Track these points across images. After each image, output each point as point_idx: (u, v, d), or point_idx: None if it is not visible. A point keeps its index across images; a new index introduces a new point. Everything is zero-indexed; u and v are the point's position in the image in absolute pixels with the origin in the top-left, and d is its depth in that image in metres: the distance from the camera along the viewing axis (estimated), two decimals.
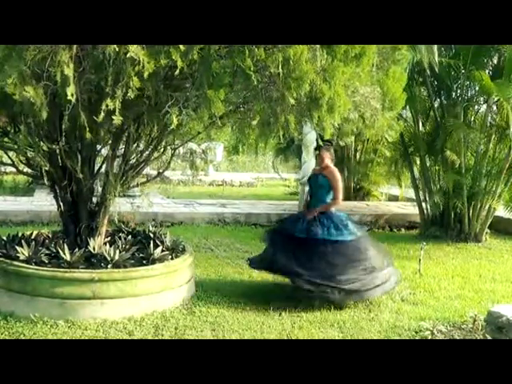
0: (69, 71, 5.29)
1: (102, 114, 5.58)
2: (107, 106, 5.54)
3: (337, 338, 6.79)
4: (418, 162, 14.02)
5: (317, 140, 8.65)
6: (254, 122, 6.59)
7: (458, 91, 13.05)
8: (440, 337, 6.82)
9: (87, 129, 5.84)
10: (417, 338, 6.83)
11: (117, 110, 5.57)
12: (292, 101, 6.07)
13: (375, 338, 6.82)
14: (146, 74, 5.44)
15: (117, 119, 5.65)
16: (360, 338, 6.81)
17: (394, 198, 18.32)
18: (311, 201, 8.80)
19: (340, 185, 8.53)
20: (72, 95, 5.40)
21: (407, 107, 12.85)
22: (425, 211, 13.86)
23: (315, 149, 9.15)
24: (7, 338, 6.37)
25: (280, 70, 5.82)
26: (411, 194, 15.37)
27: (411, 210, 15.13)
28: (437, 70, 12.01)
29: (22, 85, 5.35)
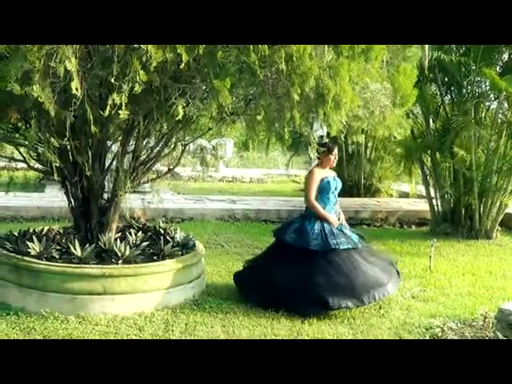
0: (71, 66, 5.30)
1: (109, 108, 5.59)
2: (114, 100, 5.54)
3: (347, 334, 6.78)
4: (429, 159, 13.97)
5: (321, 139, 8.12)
6: (259, 118, 6.57)
7: (469, 87, 13.01)
8: (450, 334, 6.80)
9: (94, 124, 5.85)
10: (427, 336, 6.82)
11: (123, 105, 5.58)
12: (296, 97, 6.07)
13: (385, 334, 6.81)
14: (153, 66, 5.45)
15: (123, 114, 5.66)
16: (370, 334, 6.80)
17: (404, 195, 18.30)
18: (325, 207, 8.05)
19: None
20: (77, 90, 5.41)
21: (417, 104, 12.82)
22: (435, 208, 13.83)
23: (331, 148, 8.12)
24: (18, 333, 6.39)
25: (284, 66, 5.81)
26: (422, 190, 15.34)
27: (422, 206, 15.12)
28: (446, 66, 12.03)
29: (28, 83, 5.35)
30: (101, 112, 5.76)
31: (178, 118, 6.06)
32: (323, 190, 7.94)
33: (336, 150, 8.12)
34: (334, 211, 8.07)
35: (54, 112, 5.62)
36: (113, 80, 5.48)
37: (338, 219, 8.03)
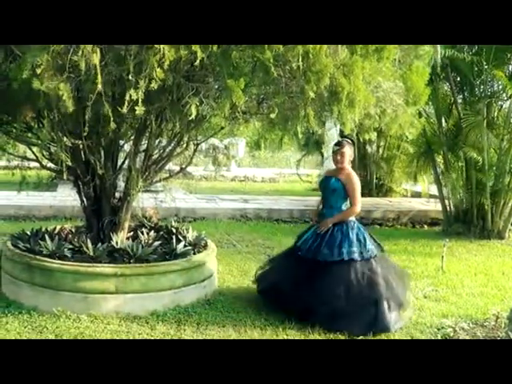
0: (96, 60, 5.30)
1: (126, 104, 5.59)
2: (131, 96, 5.55)
3: None
4: (441, 159, 13.94)
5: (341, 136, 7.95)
6: (273, 116, 6.57)
7: (481, 87, 12.98)
8: (462, 334, 6.78)
9: (111, 120, 5.86)
10: (439, 336, 6.80)
11: (140, 101, 5.59)
12: (312, 94, 6.05)
13: (397, 334, 6.79)
14: (166, 63, 5.45)
15: (139, 110, 5.66)
16: (382, 334, 6.76)
17: (416, 195, 18.25)
18: (323, 209, 7.65)
19: (358, 190, 7.35)
20: (99, 85, 5.42)
21: (429, 103, 12.80)
22: (448, 208, 13.79)
23: (336, 144, 7.55)
24: (30, 331, 6.42)
25: (300, 63, 5.80)
26: (434, 190, 15.30)
27: (434, 206, 15.08)
28: (458, 65, 12.01)
29: (46, 78, 5.36)
30: (114, 110, 5.78)
31: (191, 118, 6.06)
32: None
33: (340, 148, 7.40)
34: (326, 214, 7.50)
35: (72, 109, 5.62)
36: (130, 76, 5.49)
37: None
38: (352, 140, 7.54)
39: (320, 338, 6.53)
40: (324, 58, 5.84)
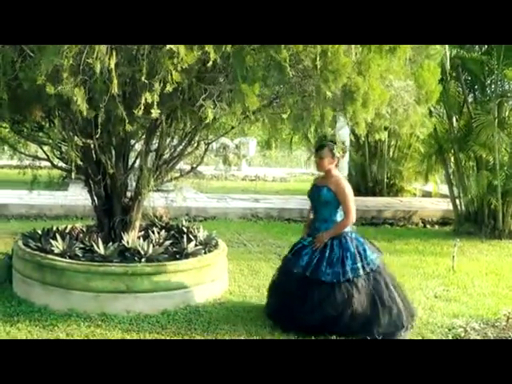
0: (111, 62, 5.31)
1: (142, 107, 5.60)
2: (146, 99, 5.55)
3: None
4: (452, 158, 13.89)
5: (324, 138, 6.99)
6: (285, 116, 6.55)
7: (492, 86, 12.94)
8: (473, 334, 6.76)
9: (126, 122, 5.87)
10: (449, 336, 6.78)
11: (155, 104, 5.59)
12: (329, 94, 6.02)
13: (408, 334, 6.78)
14: (183, 67, 5.45)
15: (155, 112, 5.67)
16: None
17: (427, 194, 18.19)
18: (315, 222, 7.13)
19: (351, 197, 6.86)
20: (115, 88, 5.43)
21: (440, 103, 12.76)
22: (459, 208, 13.74)
23: (316, 150, 7.05)
24: (41, 330, 6.46)
25: (318, 62, 5.77)
26: (445, 190, 15.26)
27: (445, 206, 15.04)
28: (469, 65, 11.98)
29: (60, 81, 5.38)
30: (128, 111, 5.79)
31: (206, 121, 6.07)
32: None
33: (318, 153, 6.99)
34: (320, 228, 7.01)
35: (85, 112, 5.63)
36: (143, 78, 5.49)
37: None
38: (334, 142, 6.92)
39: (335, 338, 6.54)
40: (342, 56, 5.82)
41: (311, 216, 7.30)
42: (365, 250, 6.82)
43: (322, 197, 6.90)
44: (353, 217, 6.82)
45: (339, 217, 6.90)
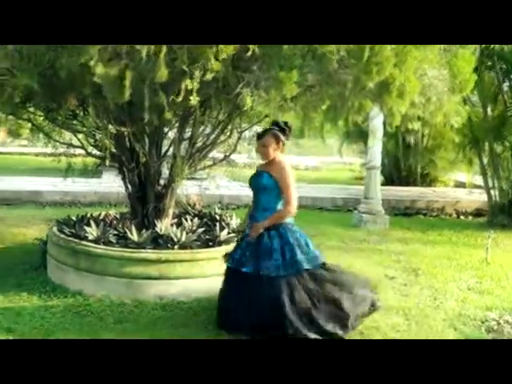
0: (162, 48, 5.35)
1: (182, 93, 5.63)
2: (186, 86, 5.57)
3: (401, 324, 6.75)
4: (487, 148, 13.75)
5: (277, 125, 6.29)
6: (324, 107, 6.54)
7: None
8: (507, 327, 6.73)
9: (166, 110, 5.91)
10: (482, 329, 6.73)
11: (194, 91, 5.62)
12: (371, 85, 5.99)
13: (440, 325, 6.74)
14: (223, 56, 5.47)
15: (194, 99, 5.70)
16: (425, 325, 6.75)
17: (461, 185, 18.05)
18: (254, 211, 6.45)
19: (292, 184, 6.16)
20: (163, 76, 5.47)
21: (475, 92, 12.64)
22: (493, 199, 13.59)
23: (258, 137, 6.38)
24: (75, 315, 6.55)
25: (366, 53, 5.74)
26: (479, 180, 15.12)
27: (479, 197, 14.92)
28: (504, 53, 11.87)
29: (103, 65, 5.42)
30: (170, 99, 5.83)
31: (244, 109, 6.08)
32: None
33: (262, 139, 6.31)
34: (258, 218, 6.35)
35: (128, 96, 5.66)
36: (185, 67, 5.51)
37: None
38: (280, 126, 6.25)
39: (366, 325, 6.52)
40: (387, 49, 5.78)
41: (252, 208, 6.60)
42: (308, 245, 6.21)
43: (262, 183, 6.25)
44: (293, 207, 6.17)
45: (280, 206, 6.26)
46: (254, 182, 6.38)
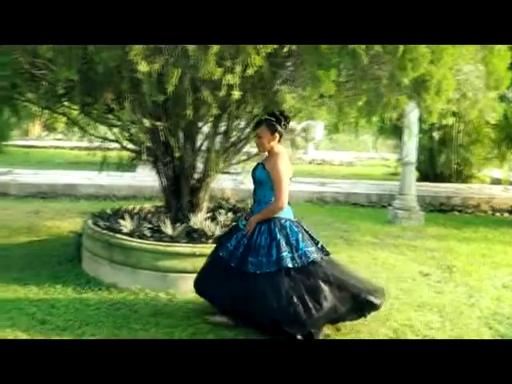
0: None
1: (225, 88, 5.66)
2: (228, 81, 5.59)
3: (435, 322, 6.69)
4: None
5: (273, 115, 6.24)
6: (360, 103, 6.51)
7: None
8: None
9: (213, 105, 5.95)
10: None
11: (236, 86, 5.64)
12: (406, 82, 5.96)
13: (475, 324, 6.68)
14: (265, 52, 5.47)
15: (236, 94, 5.72)
16: (460, 323, 6.69)
17: (496, 181, 17.89)
18: (253, 204, 6.55)
19: (283, 179, 6.07)
20: (216, 73, 5.49)
21: (511, 88, 12.51)
22: None
23: (253, 128, 6.56)
24: (109, 307, 6.59)
25: (400, 49, 5.71)
26: None
27: None
28: None
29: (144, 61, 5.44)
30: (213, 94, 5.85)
31: (284, 105, 6.07)
32: None
33: (257, 130, 6.33)
34: (253, 211, 6.43)
35: (172, 89, 5.68)
36: (228, 63, 5.52)
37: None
38: (276, 116, 6.18)
39: (399, 321, 6.50)
40: (422, 46, 5.75)
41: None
42: (297, 241, 6.03)
43: (256, 176, 6.28)
44: (283, 202, 6.05)
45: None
46: (252, 174, 6.39)
